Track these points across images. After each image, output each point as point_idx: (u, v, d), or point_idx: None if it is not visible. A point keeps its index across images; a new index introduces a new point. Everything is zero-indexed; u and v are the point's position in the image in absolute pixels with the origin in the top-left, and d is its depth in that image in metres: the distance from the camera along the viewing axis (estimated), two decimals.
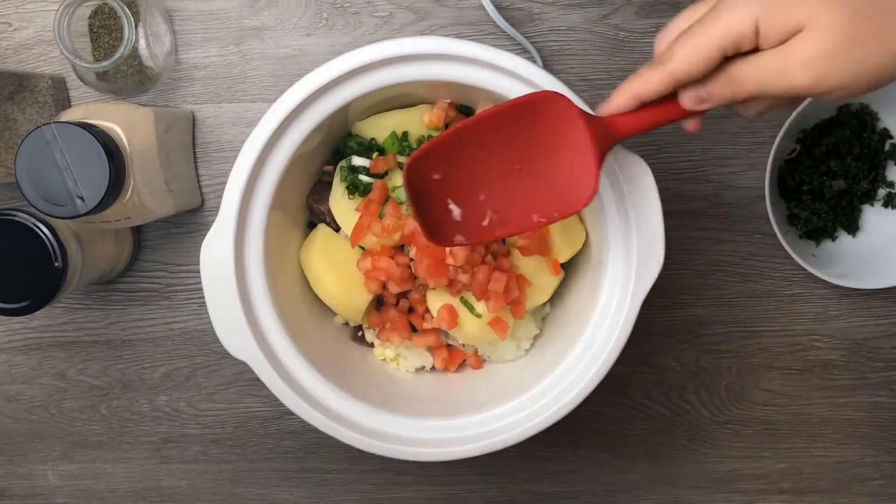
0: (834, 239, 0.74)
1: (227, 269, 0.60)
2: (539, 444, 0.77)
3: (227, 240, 0.60)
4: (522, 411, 0.61)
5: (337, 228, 0.68)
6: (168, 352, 0.78)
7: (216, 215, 0.60)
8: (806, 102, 0.68)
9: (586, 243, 0.65)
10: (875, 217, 0.74)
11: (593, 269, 0.64)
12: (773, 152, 0.68)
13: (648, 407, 0.77)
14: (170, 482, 0.79)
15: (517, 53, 0.59)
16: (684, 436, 0.78)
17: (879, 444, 0.78)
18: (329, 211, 0.67)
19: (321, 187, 0.68)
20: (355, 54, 0.59)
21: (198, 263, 0.60)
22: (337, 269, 0.65)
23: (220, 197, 0.60)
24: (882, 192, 0.74)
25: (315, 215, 0.68)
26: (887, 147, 0.73)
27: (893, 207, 0.73)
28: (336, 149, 0.67)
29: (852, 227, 0.74)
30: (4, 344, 0.78)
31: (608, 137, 0.52)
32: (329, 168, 0.68)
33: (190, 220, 0.76)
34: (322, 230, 0.67)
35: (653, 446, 0.78)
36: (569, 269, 0.68)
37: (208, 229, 0.61)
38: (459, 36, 0.73)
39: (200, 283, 0.60)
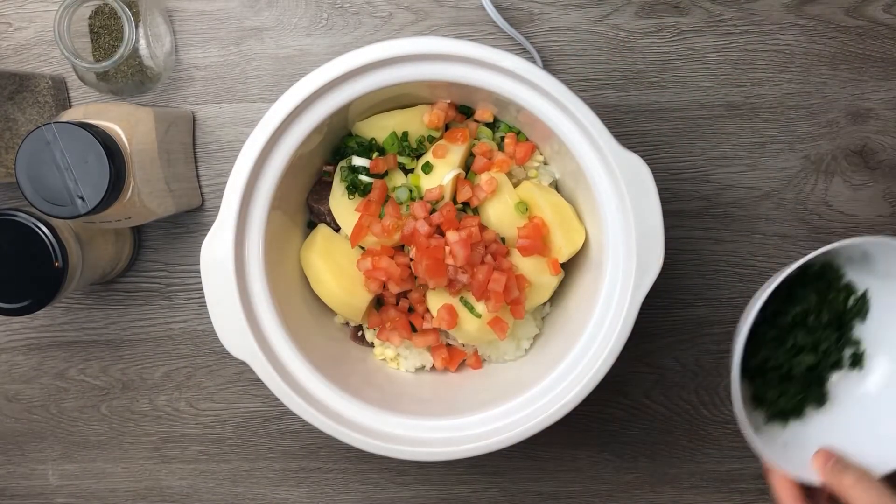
0: (801, 416, 0.66)
1: (227, 269, 0.60)
2: (539, 444, 0.77)
3: (227, 240, 0.60)
4: (522, 411, 0.61)
5: (337, 228, 0.68)
6: (168, 352, 0.78)
7: (216, 215, 0.60)
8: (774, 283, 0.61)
9: (586, 243, 0.65)
10: (843, 383, 0.66)
11: (593, 269, 0.64)
12: (735, 358, 0.60)
13: (648, 407, 0.78)
14: (170, 482, 0.79)
15: (517, 53, 0.59)
16: (684, 436, 0.78)
17: None
18: (329, 211, 0.67)
19: (321, 187, 0.68)
20: (355, 55, 0.59)
21: (198, 263, 0.60)
22: (337, 269, 0.65)
23: (221, 197, 0.60)
24: (848, 352, 0.66)
25: (315, 215, 0.68)
26: (851, 303, 0.65)
27: (860, 368, 0.65)
28: (336, 149, 0.67)
29: (821, 399, 0.66)
30: (5, 344, 0.78)
31: None
32: (329, 168, 0.68)
33: (190, 220, 0.76)
34: (322, 230, 0.67)
35: (652, 446, 0.78)
36: (569, 269, 0.68)
37: (208, 229, 0.61)
38: (459, 36, 0.73)
39: (200, 283, 0.60)
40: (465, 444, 0.61)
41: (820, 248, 0.59)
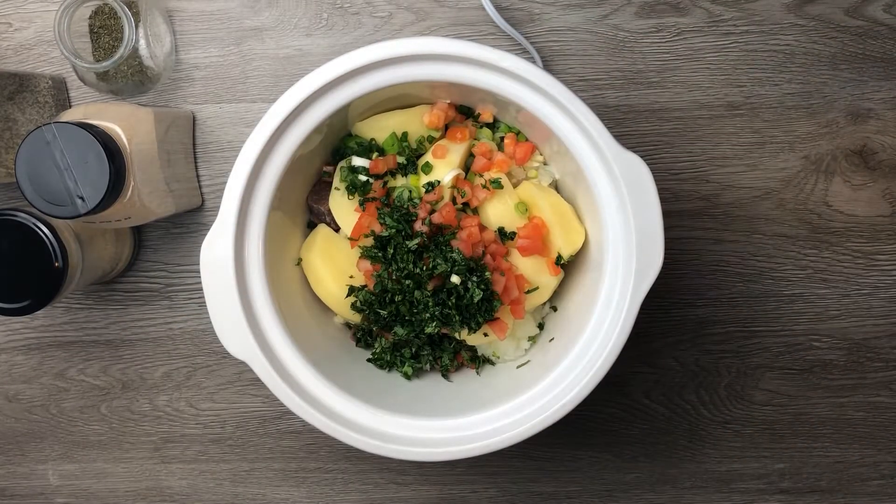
0: None
1: (227, 269, 0.60)
2: (539, 444, 0.77)
3: (227, 240, 0.60)
4: (522, 411, 0.61)
5: (337, 229, 0.68)
6: (168, 352, 0.78)
7: (216, 215, 0.60)
8: None
9: (586, 243, 0.65)
10: None
11: (593, 270, 0.64)
12: None
13: (648, 407, 0.78)
14: (170, 482, 0.79)
15: (517, 54, 0.59)
16: (684, 436, 0.78)
17: (879, 444, 0.78)
18: (329, 211, 0.67)
19: (321, 187, 0.68)
20: (355, 55, 0.59)
21: (198, 263, 0.61)
22: (337, 269, 0.65)
23: (221, 197, 0.60)
24: None
25: (315, 215, 0.68)
26: None
27: None
28: (336, 149, 0.67)
29: None
30: (5, 344, 0.78)
31: None
32: (329, 168, 0.68)
33: (190, 220, 0.76)
34: (322, 230, 0.67)
35: (652, 446, 0.78)
36: (569, 269, 0.68)
37: (208, 229, 0.61)
38: (459, 36, 0.73)
39: (200, 283, 0.60)
40: (465, 444, 0.61)
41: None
